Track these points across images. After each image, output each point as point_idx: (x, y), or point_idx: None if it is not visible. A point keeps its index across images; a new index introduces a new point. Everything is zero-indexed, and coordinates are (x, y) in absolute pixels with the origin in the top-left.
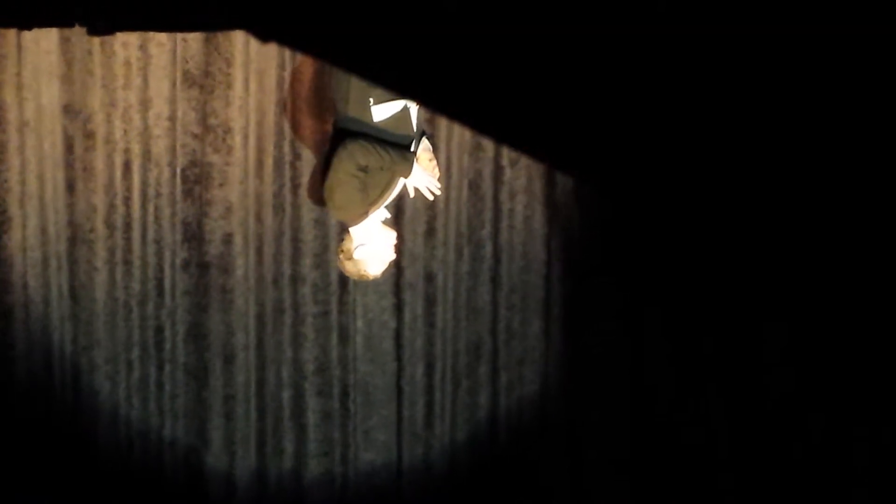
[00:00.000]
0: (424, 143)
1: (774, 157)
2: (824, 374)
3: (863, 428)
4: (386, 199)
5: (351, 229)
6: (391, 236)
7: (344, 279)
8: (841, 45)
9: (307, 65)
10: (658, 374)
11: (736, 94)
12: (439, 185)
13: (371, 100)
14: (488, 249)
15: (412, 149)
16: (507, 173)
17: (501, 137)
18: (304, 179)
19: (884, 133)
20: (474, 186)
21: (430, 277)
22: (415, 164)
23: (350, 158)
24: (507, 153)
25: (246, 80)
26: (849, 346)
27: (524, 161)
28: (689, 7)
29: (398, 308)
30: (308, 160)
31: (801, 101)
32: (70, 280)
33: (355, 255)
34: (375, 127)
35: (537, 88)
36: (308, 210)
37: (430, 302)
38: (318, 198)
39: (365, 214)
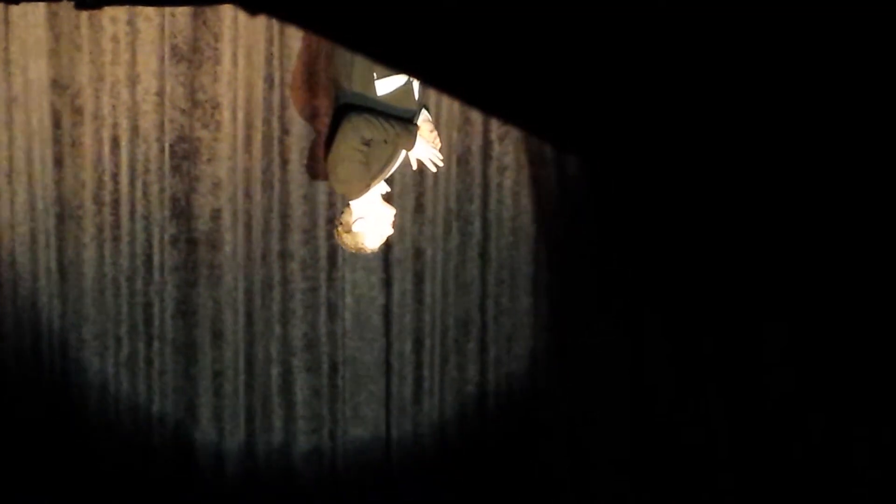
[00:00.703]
0: (425, 114)
1: (775, 159)
2: (824, 375)
3: (863, 428)
4: (387, 173)
5: (351, 203)
6: (390, 211)
7: (333, 255)
8: (840, 45)
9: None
10: (658, 373)
11: (737, 94)
12: (441, 157)
13: (374, 74)
14: (477, 225)
15: (415, 121)
16: (496, 148)
17: (498, 111)
18: (293, 155)
19: (881, 137)
20: (463, 162)
21: (418, 253)
22: (417, 136)
23: (355, 132)
24: (495, 128)
25: (234, 55)
26: (849, 346)
27: (513, 136)
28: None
29: (387, 284)
30: (297, 136)
31: (798, 102)
32: (58, 256)
33: (354, 228)
34: (379, 101)
35: (534, 68)
36: (297, 186)
37: (418, 278)
38: (316, 173)
39: (367, 188)
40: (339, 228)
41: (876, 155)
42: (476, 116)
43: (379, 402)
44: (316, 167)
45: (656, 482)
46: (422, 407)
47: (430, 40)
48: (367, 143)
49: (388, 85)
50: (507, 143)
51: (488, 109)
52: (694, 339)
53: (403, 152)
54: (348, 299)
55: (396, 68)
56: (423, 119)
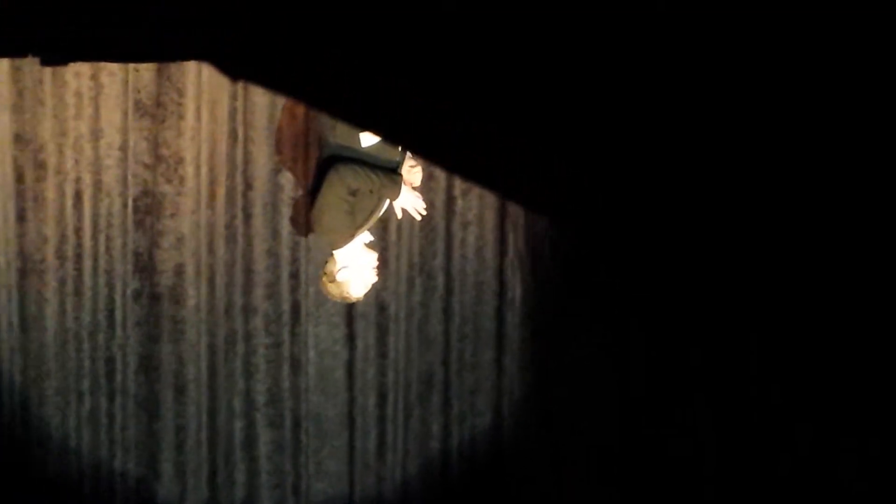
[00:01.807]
0: (407, 154)
1: (760, 171)
2: (811, 386)
3: (850, 439)
4: (371, 222)
5: (335, 252)
6: (373, 258)
7: (296, 310)
8: (840, 44)
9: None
10: (644, 385)
11: (716, 109)
12: (424, 206)
13: (358, 129)
14: (440, 280)
15: (399, 171)
16: (459, 204)
17: (455, 169)
18: (256, 210)
19: (872, 146)
20: (426, 217)
21: (382, 308)
22: (402, 185)
23: (341, 182)
24: (458, 184)
25: (198, 111)
26: (836, 358)
27: (476, 192)
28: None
29: (350, 338)
30: (261, 190)
31: (789, 114)
32: (20, 310)
33: (338, 278)
34: (363, 152)
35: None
36: (260, 241)
37: (382, 332)
38: (303, 227)
39: (351, 237)
40: (324, 278)
41: (863, 174)
42: (439, 172)
43: (342, 457)
44: (300, 221)
45: (642, 496)
46: (385, 462)
47: (415, 111)
48: (353, 193)
49: (372, 136)
50: (470, 199)
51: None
52: (681, 350)
53: (388, 201)
54: (311, 354)
55: (378, 135)
56: (406, 159)
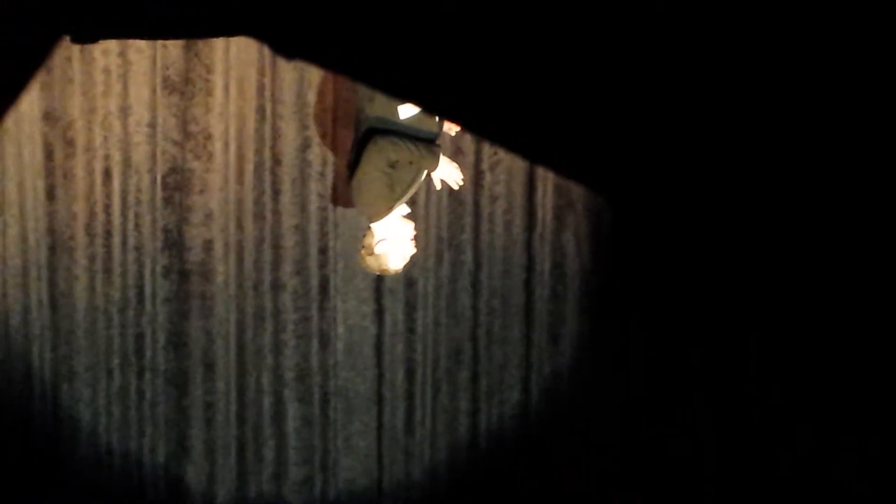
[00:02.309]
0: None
1: (760, 171)
2: (811, 386)
3: (850, 439)
4: (409, 194)
5: (372, 225)
6: (410, 230)
7: (325, 285)
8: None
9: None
10: (645, 385)
11: (715, 108)
12: (462, 176)
13: (397, 101)
14: (468, 254)
15: (437, 142)
16: (487, 178)
17: (491, 136)
18: (285, 186)
19: (872, 146)
20: (454, 191)
21: (410, 283)
22: (440, 156)
23: (380, 154)
24: (487, 158)
25: (226, 87)
26: (836, 358)
27: (504, 165)
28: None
29: (379, 314)
30: (289, 166)
31: (788, 117)
32: (50, 288)
33: (376, 250)
34: (402, 124)
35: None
36: (288, 217)
37: (410, 307)
38: (345, 200)
39: (390, 210)
40: (363, 251)
41: (862, 176)
42: (468, 146)
43: (371, 433)
44: (341, 195)
45: (644, 495)
46: (413, 437)
47: (460, 85)
48: (392, 166)
49: (410, 108)
50: (497, 173)
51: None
52: (681, 350)
53: (425, 173)
54: (340, 329)
55: (424, 108)
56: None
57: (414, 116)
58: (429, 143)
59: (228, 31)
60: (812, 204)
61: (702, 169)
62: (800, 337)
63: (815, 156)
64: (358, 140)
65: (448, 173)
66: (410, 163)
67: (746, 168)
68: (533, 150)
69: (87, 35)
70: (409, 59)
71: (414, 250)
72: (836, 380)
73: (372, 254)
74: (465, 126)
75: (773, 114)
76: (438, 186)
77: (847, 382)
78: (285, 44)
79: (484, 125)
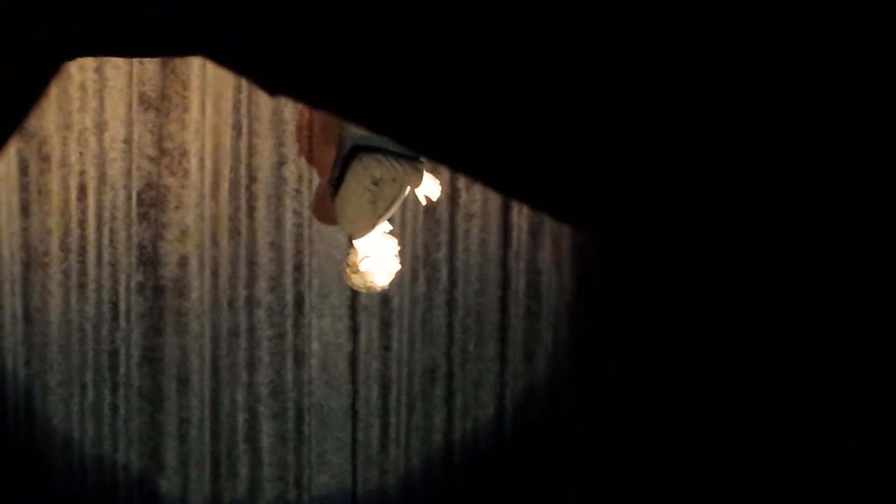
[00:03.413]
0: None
1: (760, 172)
2: (812, 386)
3: (850, 439)
4: (392, 211)
5: (355, 242)
6: (394, 246)
7: (300, 302)
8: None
9: None
10: (644, 385)
11: (714, 109)
12: (440, 191)
13: None
14: (444, 272)
15: (421, 158)
16: (463, 196)
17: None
18: (260, 202)
19: (872, 146)
20: (430, 210)
21: (385, 300)
22: (424, 172)
23: (365, 171)
24: (462, 176)
25: (202, 104)
26: (836, 358)
27: (480, 184)
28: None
29: (353, 331)
30: (264, 183)
31: (787, 118)
32: (24, 304)
33: (361, 267)
34: (385, 140)
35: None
36: (263, 233)
37: (385, 325)
38: (325, 216)
39: (373, 226)
40: (348, 270)
41: (862, 177)
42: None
43: (345, 450)
44: (319, 211)
45: (642, 494)
46: (388, 454)
47: (419, 110)
48: (376, 182)
49: None
50: (473, 191)
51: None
52: (681, 350)
53: (409, 189)
54: (315, 346)
55: (403, 143)
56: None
57: None
58: (412, 160)
59: (207, 54)
60: (811, 205)
61: (701, 171)
62: (799, 337)
63: (813, 155)
64: (341, 157)
65: (431, 189)
66: (394, 179)
67: (746, 169)
68: (509, 187)
69: (62, 52)
70: (388, 96)
71: (399, 266)
72: (837, 380)
73: (357, 271)
74: (443, 162)
75: (770, 113)
76: (423, 202)
77: (846, 382)
78: (269, 79)
79: (461, 161)
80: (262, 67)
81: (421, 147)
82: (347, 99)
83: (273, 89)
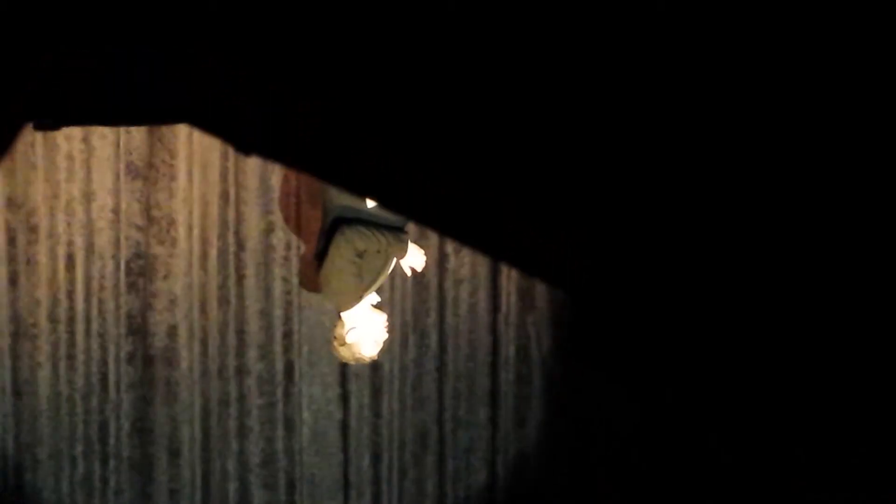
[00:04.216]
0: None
1: (754, 178)
2: (812, 386)
3: (850, 440)
4: (379, 283)
5: (342, 315)
6: (381, 317)
7: (290, 370)
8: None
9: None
10: (611, 467)
11: (715, 114)
12: (425, 259)
13: None
14: (433, 338)
15: (405, 229)
16: (452, 261)
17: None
18: (249, 270)
19: (872, 149)
20: (418, 275)
21: (375, 367)
22: (408, 243)
23: (348, 245)
24: (451, 241)
25: (189, 172)
26: (842, 357)
27: (466, 248)
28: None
29: (344, 398)
30: (252, 251)
31: (788, 121)
32: (13, 375)
33: (348, 340)
34: (369, 212)
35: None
36: (253, 301)
37: (375, 392)
38: (313, 285)
39: (359, 299)
40: (335, 342)
41: (860, 186)
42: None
43: None
44: (307, 279)
45: None
46: None
47: (421, 185)
48: (360, 255)
49: None
50: (462, 256)
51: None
52: (648, 432)
53: (394, 260)
54: (305, 414)
55: (384, 205)
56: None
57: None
58: (396, 231)
59: (190, 121)
60: (808, 212)
61: (691, 177)
62: (801, 338)
63: (813, 159)
64: (325, 230)
65: (416, 260)
66: (378, 251)
67: (747, 175)
68: (496, 251)
69: (49, 122)
70: (366, 156)
71: (386, 335)
72: (837, 380)
73: (344, 343)
74: (429, 225)
75: (770, 116)
76: (408, 273)
77: (847, 382)
78: (242, 139)
79: (446, 226)
80: (235, 125)
81: (402, 208)
82: (325, 158)
83: (246, 148)
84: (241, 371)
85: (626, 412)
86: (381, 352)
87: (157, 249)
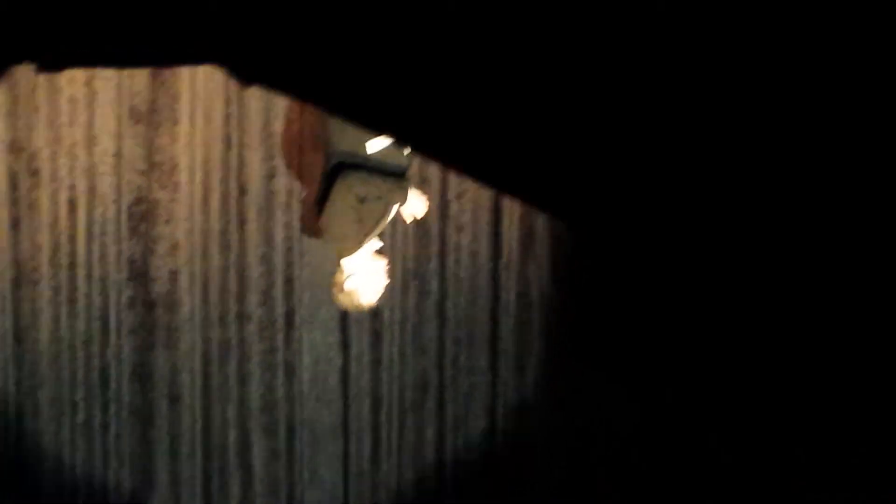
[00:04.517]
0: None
1: (754, 180)
2: (813, 386)
3: (850, 440)
4: (380, 229)
5: (342, 261)
6: (381, 264)
7: (290, 316)
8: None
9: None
10: (611, 413)
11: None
12: (427, 206)
13: (365, 136)
14: (434, 284)
15: (406, 175)
16: (453, 208)
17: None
18: (251, 215)
19: (872, 149)
20: (420, 221)
21: (375, 313)
22: (409, 190)
23: (349, 190)
24: (453, 187)
25: (192, 117)
26: (842, 358)
27: (470, 195)
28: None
29: (344, 345)
30: (255, 196)
31: (787, 121)
32: (14, 320)
33: (346, 287)
34: (370, 158)
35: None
36: (254, 246)
37: (376, 338)
38: (314, 230)
39: (360, 245)
40: (335, 289)
41: (856, 189)
42: (433, 175)
43: (337, 465)
44: (309, 225)
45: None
46: (379, 468)
47: (424, 114)
48: (361, 201)
49: (379, 143)
50: (463, 202)
51: (482, 179)
52: (648, 379)
53: (396, 207)
54: (306, 360)
55: (390, 136)
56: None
57: (382, 150)
58: (398, 178)
59: (193, 59)
60: (806, 213)
61: (670, 192)
62: (801, 339)
63: (813, 160)
64: (326, 175)
65: (416, 207)
66: (379, 197)
67: (718, 188)
68: (499, 180)
69: (52, 64)
70: (371, 86)
71: (386, 282)
72: (836, 380)
73: (343, 291)
74: (430, 155)
75: (770, 117)
76: (408, 220)
77: (847, 382)
78: (244, 69)
79: (448, 154)
80: (240, 56)
81: (405, 137)
82: (331, 89)
83: (249, 79)
84: (242, 317)
85: (626, 412)
86: (382, 298)
87: (159, 194)
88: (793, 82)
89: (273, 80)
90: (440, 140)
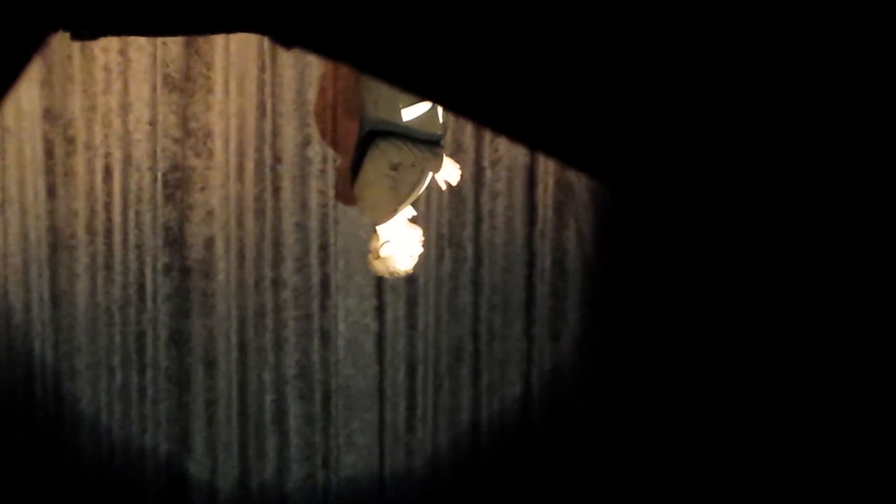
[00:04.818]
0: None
1: (760, 179)
2: (813, 386)
3: (850, 440)
4: (414, 196)
5: (377, 228)
6: (416, 231)
7: (325, 282)
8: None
9: (291, 69)
10: (646, 381)
11: (727, 101)
12: (460, 173)
13: (400, 104)
14: (469, 251)
15: (441, 144)
16: (488, 175)
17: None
18: (285, 183)
19: (872, 148)
20: (455, 188)
21: (411, 280)
22: (444, 158)
23: (383, 157)
24: (487, 154)
25: (226, 84)
26: (846, 357)
27: (504, 162)
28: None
29: (380, 311)
30: (289, 163)
31: (787, 122)
32: (51, 286)
33: (382, 253)
34: (404, 126)
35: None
36: (289, 214)
37: (411, 304)
38: (349, 198)
39: (394, 212)
40: (370, 255)
41: (854, 191)
42: (468, 143)
43: (372, 430)
44: (344, 192)
45: (645, 482)
46: (415, 434)
47: (455, 69)
48: (395, 168)
49: (413, 111)
50: (498, 169)
51: (514, 135)
52: (683, 347)
53: (430, 175)
54: (341, 326)
55: (425, 97)
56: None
57: (417, 118)
58: (432, 145)
59: (229, 27)
60: (809, 212)
61: (706, 160)
62: (803, 339)
63: (813, 161)
64: (360, 142)
65: (451, 174)
66: (413, 165)
67: (748, 158)
68: (536, 139)
69: (87, 32)
70: (409, 46)
71: (421, 249)
72: (836, 381)
73: (378, 257)
74: (466, 114)
75: (770, 118)
76: (443, 187)
77: (846, 383)
78: (284, 31)
79: (485, 113)
80: (278, 20)
81: (440, 97)
82: (365, 50)
83: (289, 42)
84: (277, 283)
85: (633, 408)
86: (417, 265)
87: (194, 161)
88: (791, 79)
89: (311, 41)
90: (468, 97)
